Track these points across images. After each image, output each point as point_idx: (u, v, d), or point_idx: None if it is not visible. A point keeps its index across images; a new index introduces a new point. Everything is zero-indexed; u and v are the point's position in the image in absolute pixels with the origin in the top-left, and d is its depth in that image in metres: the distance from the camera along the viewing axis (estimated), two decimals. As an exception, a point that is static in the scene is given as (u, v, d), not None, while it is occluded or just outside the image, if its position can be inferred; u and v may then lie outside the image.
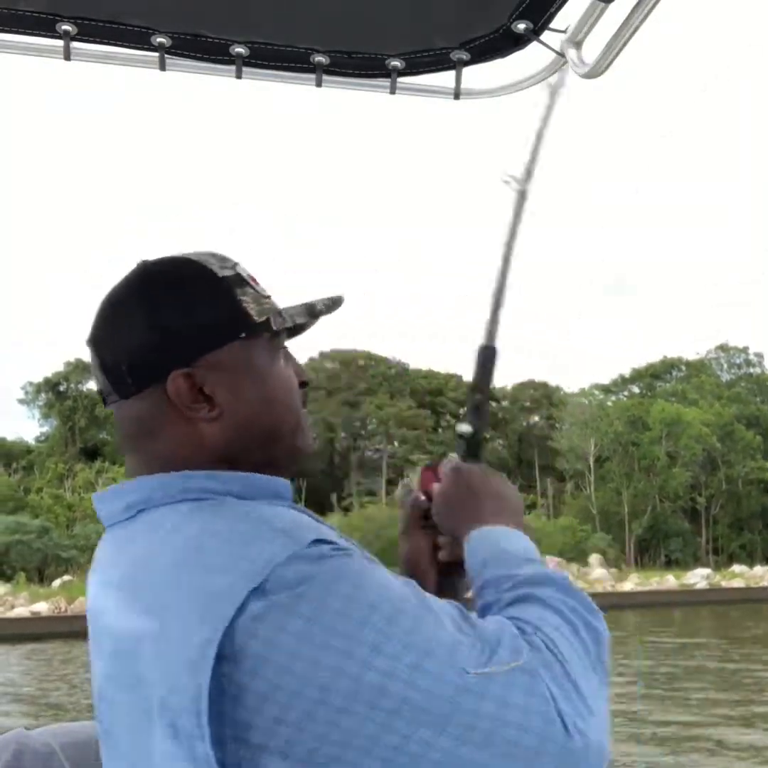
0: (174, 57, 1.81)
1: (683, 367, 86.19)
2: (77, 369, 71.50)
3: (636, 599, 43.36)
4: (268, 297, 1.26)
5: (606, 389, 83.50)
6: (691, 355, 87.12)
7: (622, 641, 25.64)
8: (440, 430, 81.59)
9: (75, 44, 1.78)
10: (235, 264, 1.25)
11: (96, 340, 1.24)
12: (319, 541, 1.04)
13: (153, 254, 1.27)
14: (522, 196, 1.65)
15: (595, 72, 1.60)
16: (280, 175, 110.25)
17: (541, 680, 1.01)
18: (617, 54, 1.55)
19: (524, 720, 0.98)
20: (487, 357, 1.57)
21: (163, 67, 1.81)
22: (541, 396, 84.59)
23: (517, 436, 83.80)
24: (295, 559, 1.01)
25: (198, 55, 1.81)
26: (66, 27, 1.74)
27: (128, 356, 1.19)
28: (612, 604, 42.22)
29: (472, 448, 1.53)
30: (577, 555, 55.71)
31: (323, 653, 0.97)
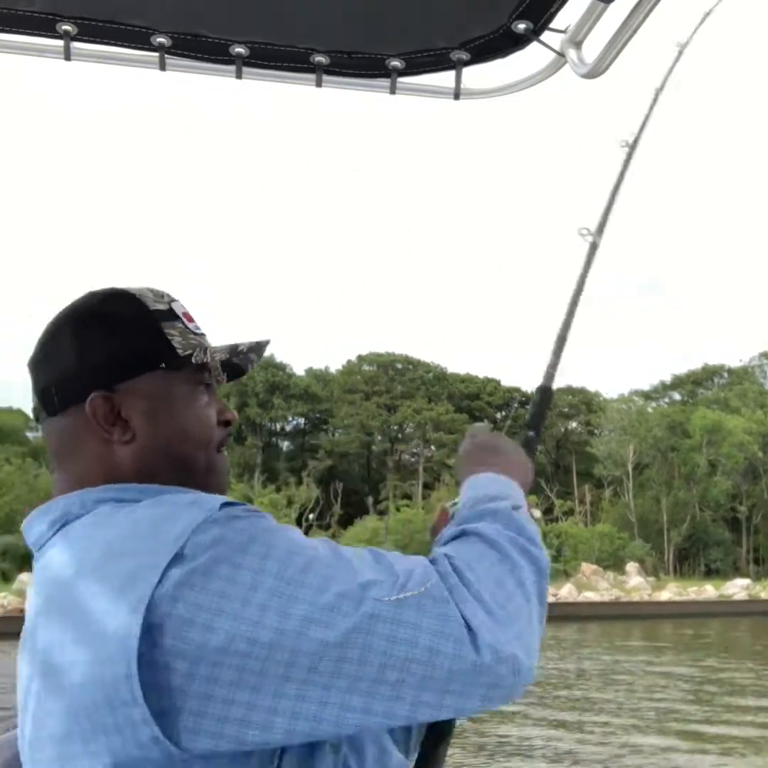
0: (174, 57, 1.81)
1: (726, 374, 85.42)
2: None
3: (672, 609, 42.98)
4: (200, 334, 1.33)
5: (646, 395, 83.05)
6: (733, 362, 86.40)
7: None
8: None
9: (75, 44, 1.78)
10: (172, 300, 1.33)
11: (33, 362, 1.32)
12: (228, 504, 1.12)
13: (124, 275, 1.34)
14: (594, 247, 1.78)
15: (595, 72, 1.59)
16: (279, 176, 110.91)
17: (449, 603, 1.08)
18: (617, 54, 1.54)
19: (435, 641, 1.06)
20: (544, 397, 1.68)
21: (163, 67, 1.81)
22: (579, 402, 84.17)
23: (555, 441, 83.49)
24: (208, 523, 1.07)
25: (198, 55, 1.81)
26: (66, 27, 1.74)
27: (56, 377, 1.27)
28: (647, 613, 41.93)
29: None
30: (614, 563, 55.44)
31: (245, 609, 1.03)
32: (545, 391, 1.70)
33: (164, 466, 1.25)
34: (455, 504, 1.52)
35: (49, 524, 1.22)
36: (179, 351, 1.28)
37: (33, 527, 1.25)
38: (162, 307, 1.30)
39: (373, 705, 1.06)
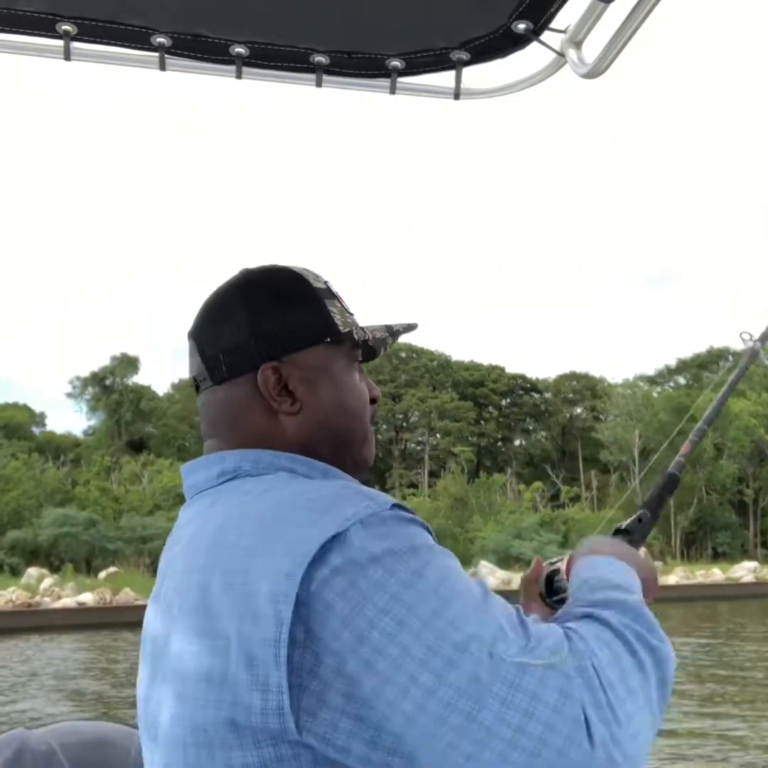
0: (174, 57, 1.81)
1: (730, 358, 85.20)
2: (123, 364, 72.35)
3: (679, 592, 42.98)
4: (352, 314, 1.38)
5: (651, 380, 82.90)
6: (738, 345, 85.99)
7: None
8: (482, 422, 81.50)
9: (75, 44, 1.78)
10: (327, 281, 1.37)
11: (197, 333, 1.35)
12: (398, 506, 1.12)
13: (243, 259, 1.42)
14: (754, 354, 1.83)
15: (595, 72, 1.59)
16: (279, 176, 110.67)
17: (575, 684, 1.03)
18: (617, 54, 1.54)
19: (552, 718, 1.00)
20: (669, 484, 1.69)
21: (163, 67, 1.81)
22: (584, 387, 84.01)
23: (561, 428, 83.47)
24: (375, 517, 1.08)
25: (198, 55, 1.81)
26: (66, 27, 1.75)
27: (226, 348, 1.30)
28: (655, 597, 41.95)
29: None
30: (621, 548, 55.32)
31: (381, 617, 1.03)
32: (672, 477, 1.70)
33: (325, 437, 1.30)
34: (553, 563, 1.52)
35: (219, 473, 1.26)
36: (340, 327, 1.32)
37: (198, 471, 1.30)
38: (321, 285, 1.35)
39: (479, 754, 1.00)
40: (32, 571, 38.55)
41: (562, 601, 1.42)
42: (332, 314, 1.33)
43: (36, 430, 73.34)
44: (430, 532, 1.15)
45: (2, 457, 55.49)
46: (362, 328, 1.36)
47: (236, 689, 1.05)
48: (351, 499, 1.11)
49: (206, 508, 1.23)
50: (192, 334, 1.35)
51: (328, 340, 1.31)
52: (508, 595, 1.14)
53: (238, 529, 1.13)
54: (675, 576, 48.99)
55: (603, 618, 1.14)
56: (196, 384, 1.35)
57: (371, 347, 1.38)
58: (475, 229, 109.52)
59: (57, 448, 68.18)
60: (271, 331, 1.30)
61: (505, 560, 50.19)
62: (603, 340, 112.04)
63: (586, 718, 1.01)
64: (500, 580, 44.65)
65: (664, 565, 54.63)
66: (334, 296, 1.35)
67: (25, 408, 72.77)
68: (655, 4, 1.42)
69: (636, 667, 1.09)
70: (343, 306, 1.36)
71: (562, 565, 1.49)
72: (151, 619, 1.25)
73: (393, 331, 1.39)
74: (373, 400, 1.39)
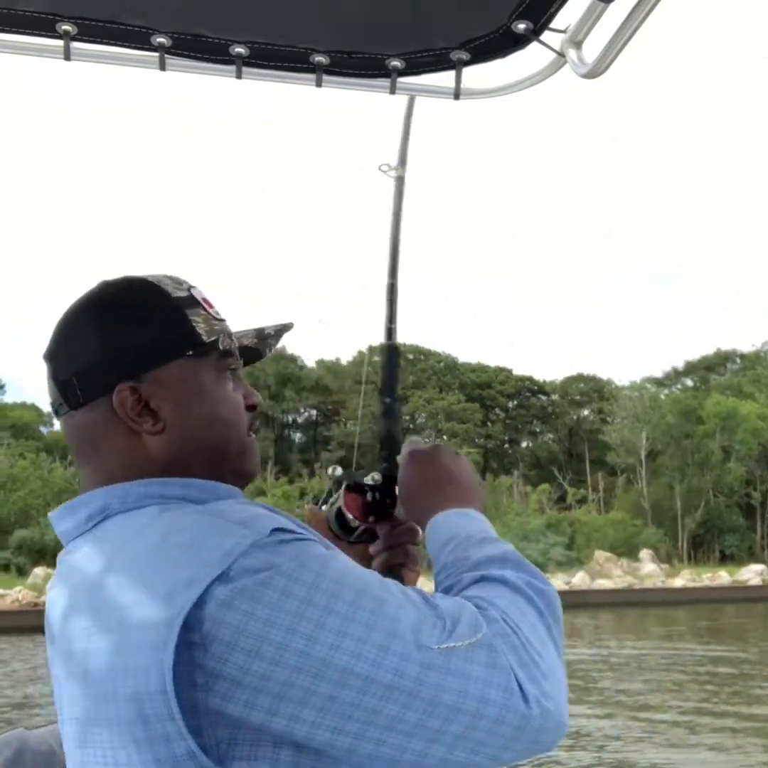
0: (174, 57, 1.79)
1: (738, 360, 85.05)
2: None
3: (686, 596, 42.90)
4: (221, 320, 1.31)
5: (658, 382, 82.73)
6: (746, 347, 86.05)
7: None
8: (489, 423, 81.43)
9: (75, 44, 1.76)
10: (191, 287, 1.31)
11: (51, 355, 1.28)
12: (278, 530, 1.08)
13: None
14: (401, 181, 1.76)
15: (595, 72, 1.58)
16: (279, 176, 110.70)
17: (501, 652, 1.06)
18: (617, 54, 1.53)
19: (485, 692, 1.04)
20: (392, 356, 1.61)
21: (163, 67, 1.80)
22: (590, 389, 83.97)
23: (568, 430, 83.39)
24: (257, 547, 1.04)
25: (198, 55, 1.80)
26: (66, 27, 1.73)
27: (79, 369, 1.24)
28: (660, 600, 41.87)
29: None
30: (628, 550, 55.36)
31: (291, 637, 1.00)
32: (392, 349, 1.61)
33: (197, 454, 1.24)
34: (328, 502, 1.54)
35: (87, 517, 1.20)
36: (204, 337, 1.26)
37: (65, 518, 1.23)
38: (182, 293, 1.28)
39: (408, 745, 1.04)
40: (39, 571, 38.62)
41: (364, 533, 1.50)
42: (194, 324, 1.26)
43: (44, 429, 73.37)
44: (319, 540, 1.12)
45: (10, 456, 55.61)
46: (229, 336, 1.30)
47: (139, 749, 1.03)
48: (228, 532, 1.06)
49: (82, 560, 1.17)
50: (45, 356, 1.29)
51: (190, 353, 1.25)
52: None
53: (115, 581, 1.08)
54: (682, 579, 48.93)
55: (495, 577, 1.17)
56: (55, 410, 1.28)
57: (254, 349, 1.35)
58: (476, 229, 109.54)
59: (65, 447, 67.76)
60: (124, 349, 1.23)
61: (512, 562, 50.10)
62: (609, 342, 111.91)
63: (517, 682, 1.05)
64: (506, 582, 44.53)
65: (671, 567, 54.57)
66: (198, 303, 1.29)
67: (33, 408, 72.82)
68: (655, 4, 1.42)
69: (538, 616, 1.13)
70: (209, 313, 1.29)
71: (342, 502, 1.50)
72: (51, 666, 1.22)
73: (263, 335, 1.34)
74: (251, 408, 1.33)
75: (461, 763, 1.05)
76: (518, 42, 1.69)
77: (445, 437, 76.84)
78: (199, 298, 1.30)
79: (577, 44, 1.62)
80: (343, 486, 1.51)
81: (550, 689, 1.07)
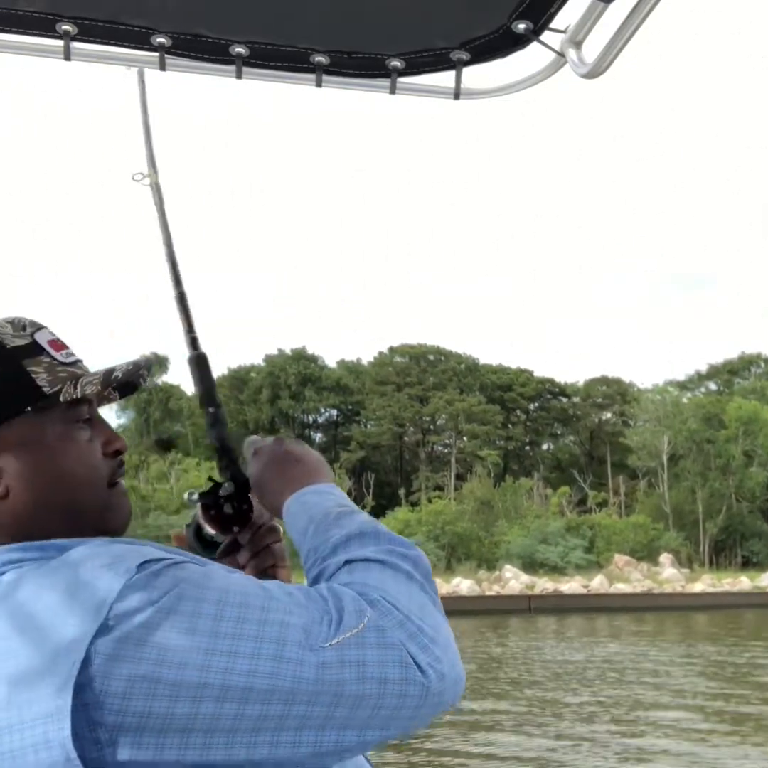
0: (174, 57, 1.80)
1: (762, 364, 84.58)
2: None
3: (705, 601, 42.69)
4: (71, 363, 1.22)
5: (681, 386, 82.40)
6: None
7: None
8: (510, 425, 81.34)
9: (75, 44, 1.77)
10: (36, 330, 1.22)
11: None
12: (145, 563, 1.04)
13: None
14: (158, 187, 1.71)
15: (595, 72, 1.58)
16: (279, 176, 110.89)
17: (389, 631, 1.07)
18: (617, 54, 1.53)
19: (383, 672, 1.04)
20: (203, 365, 1.58)
21: (163, 67, 1.80)
22: (613, 392, 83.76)
23: (589, 432, 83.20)
24: (129, 589, 1.00)
25: (198, 55, 1.80)
26: (66, 27, 1.73)
27: None
28: (679, 605, 41.69)
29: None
30: (648, 554, 55.16)
31: (184, 672, 0.98)
32: (201, 359, 1.56)
33: (50, 517, 1.16)
34: (188, 525, 1.49)
35: None
36: (46, 389, 1.17)
37: None
38: (22, 341, 1.19)
39: (323, 738, 1.05)
40: None
41: (224, 545, 1.47)
42: (34, 375, 1.17)
43: None
44: (188, 561, 1.09)
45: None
46: (75, 383, 1.19)
47: None
48: (94, 579, 1.01)
49: None
50: None
51: (29, 409, 1.16)
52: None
53: None
54: (701, 584, 48.70)
55: (360, 558, 1.16)
56: None
57: (129, 382, 1.27)
58: (475, 230, 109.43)
59: None
60: None
61: (530, 565, 50.13)
62: (615, 344, 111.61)
63: (410, 655, 1.06)
64: (524, 585, 44.57)
65: (691, 571, 54.31)
66: (40, 350, 1.20)
67: None
68: (655, 4, 1.41)
69: (411, 581, 1.14)
70: (54, 359, 1.20)
71: (201, 520, 1.47)
72: None
73: (110, 378, 1.22)
74: (114, 454, 1.24)
75: (375, 741, 1.08)
76: (518, 42, 1.68)
77: (465, 438, 76.91)
78: (43, 343, 1.21)
79: (577, 44, 1.62)
80: (199, 504, 1.47)
81: (440, 652, 1.08)
